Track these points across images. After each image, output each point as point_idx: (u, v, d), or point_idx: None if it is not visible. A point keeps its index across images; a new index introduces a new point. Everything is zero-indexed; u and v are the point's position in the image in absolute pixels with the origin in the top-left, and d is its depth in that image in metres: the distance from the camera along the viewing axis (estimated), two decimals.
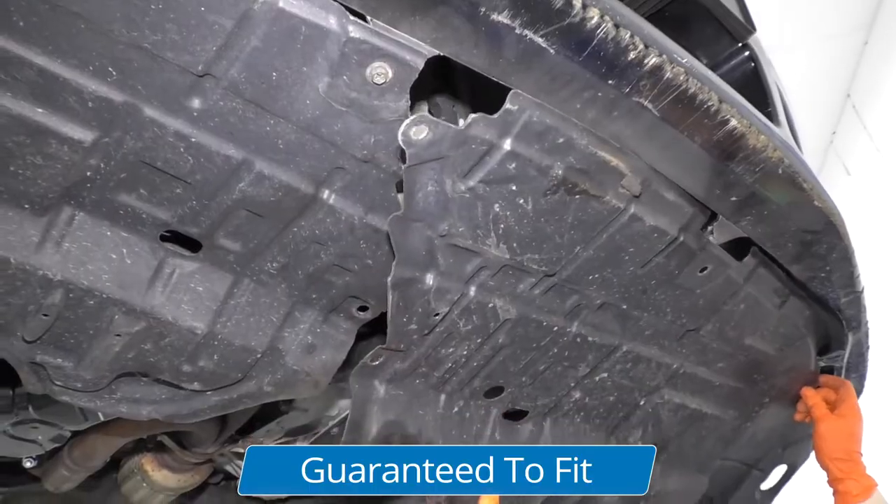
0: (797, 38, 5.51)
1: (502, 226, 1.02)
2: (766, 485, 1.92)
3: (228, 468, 1.91)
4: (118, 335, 0.99)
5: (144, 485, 1.70)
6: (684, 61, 0.89)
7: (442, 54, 0.83)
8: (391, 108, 0.87)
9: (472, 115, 0.90)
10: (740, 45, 1.29)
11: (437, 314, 1.10)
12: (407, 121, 0.87)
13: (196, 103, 0.86)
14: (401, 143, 0.87)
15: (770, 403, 1.65)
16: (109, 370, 1.03)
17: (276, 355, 1.13)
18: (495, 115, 0.90)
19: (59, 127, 0.84)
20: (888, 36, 5.53)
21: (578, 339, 1.27)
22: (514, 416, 1.39)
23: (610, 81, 0.87)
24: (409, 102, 0.87)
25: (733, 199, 1.08)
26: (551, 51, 0.83)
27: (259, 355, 1.11)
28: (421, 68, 0.83)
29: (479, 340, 1.19)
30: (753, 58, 1.31)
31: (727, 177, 1.04)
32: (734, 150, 0.99)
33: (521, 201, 1.00)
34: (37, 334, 0.97)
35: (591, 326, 1.27)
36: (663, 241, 1.12)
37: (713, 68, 1.31)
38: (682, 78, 0.89)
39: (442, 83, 1.13)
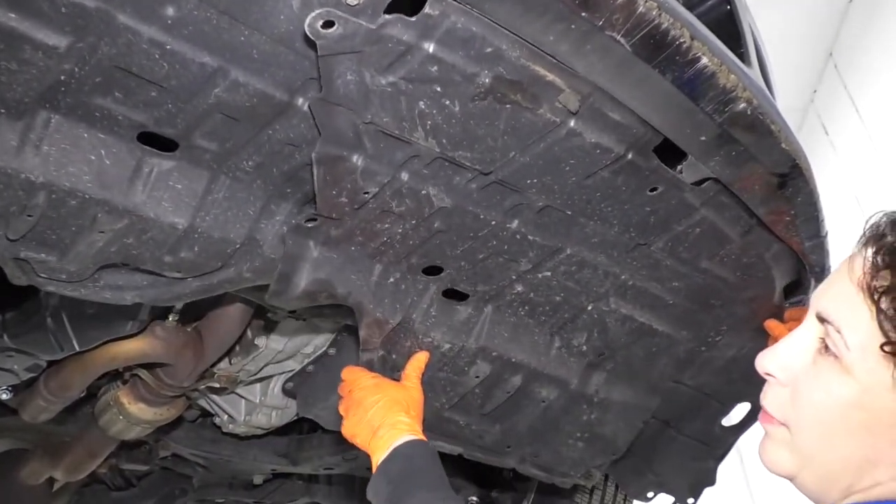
0: None
1: (429, 122, 1.02)
2: (728, 421, 1.87)
3: (203, 403, 1.92)
4: (102, 232, 1.03)
5: (121, 417, 1.66)
6: None
7: None
8: None
9: (387, 16, 0.88)
10: None
11: (366, 192, 1.11)
12: (313, 14, 0.85)
13: (170, 11, 0.86)
14: (308, 34, 0.86)
15: (729, 332, 1.60)
16: (93, 262, 1.08)
17: (253, 245, 1.17)
18: (413, 18, 0.89)
19: (33, 33, 0.84)
20: None
21: (518, 237, 1.26)
22: (456, 297, 1.40)
23: (583, 14, 0.88)
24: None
25: (702, 138, 1.09)
26: None
27: (238, 245, 1.15)
28: None
29: (413, 222, 1.19)
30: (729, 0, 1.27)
31: (697, 116, 1.04)
32: (704, 89, 1.00)
33: (447, 102, 0.99)
34: (20, 233, 1.00)
35: (533, 226, 1.25)
36: (607, 158, 1.11)
37: (689, 8, 1.26)
38: (654, 13, 0.89)
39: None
